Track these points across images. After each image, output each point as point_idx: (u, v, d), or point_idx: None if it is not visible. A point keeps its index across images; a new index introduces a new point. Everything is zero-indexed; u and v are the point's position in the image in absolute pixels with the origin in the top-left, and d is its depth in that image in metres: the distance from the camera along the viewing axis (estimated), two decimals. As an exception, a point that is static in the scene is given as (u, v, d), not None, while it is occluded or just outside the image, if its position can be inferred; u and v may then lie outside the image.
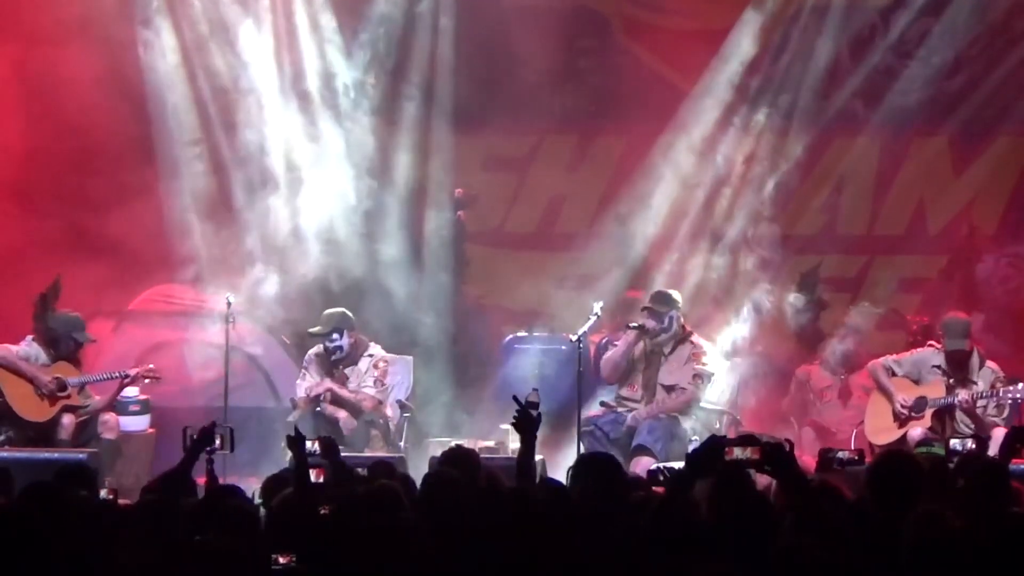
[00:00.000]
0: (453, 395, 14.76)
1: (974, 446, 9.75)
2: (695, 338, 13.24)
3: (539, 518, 6.78)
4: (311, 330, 13.48)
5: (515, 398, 8.44)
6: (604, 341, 13.78)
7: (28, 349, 13.22)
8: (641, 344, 13.22)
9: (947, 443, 10.19)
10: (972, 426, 12.44)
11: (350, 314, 13.54)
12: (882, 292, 15.39)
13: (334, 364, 13.41)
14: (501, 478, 8.47)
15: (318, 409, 13.28)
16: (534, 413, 8.30)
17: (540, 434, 13.66)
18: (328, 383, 13.34)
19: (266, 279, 14.95)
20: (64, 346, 13.22)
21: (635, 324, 13.14)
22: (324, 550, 6.49)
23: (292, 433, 8.74)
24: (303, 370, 13.59)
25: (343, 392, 13.30)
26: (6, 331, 13.54)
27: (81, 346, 13.29)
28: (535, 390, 8.77)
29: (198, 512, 7.35)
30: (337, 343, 13.34)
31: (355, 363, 13.45)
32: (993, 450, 11.83)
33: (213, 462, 10.00)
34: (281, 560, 6.63)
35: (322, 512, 7.27)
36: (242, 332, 14.40)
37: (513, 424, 8.44)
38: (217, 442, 10.00)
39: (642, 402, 13.10)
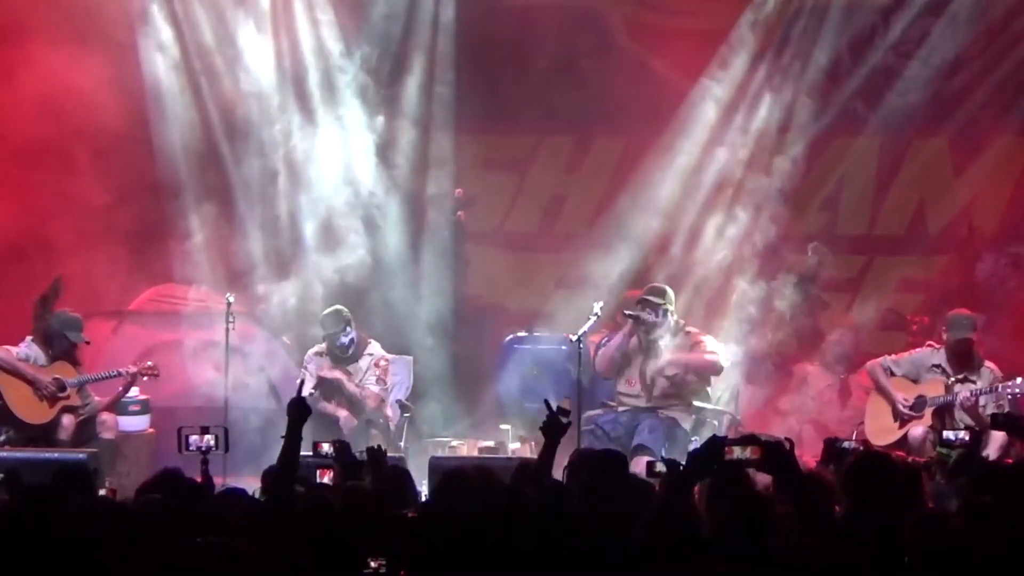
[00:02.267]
0: (453, 395, 14.76)
1: (967, 438, 9.76)
2: (690, 328, 13.24)
3: (535, 518, 6.78)
4: (328, 332, 13.46)
5: (546, 402, 8.40)
6: (604, 341, 13.78)
7: (27, 351, 13.20)
8: (635, 339, 13.22)
9: (941, 435, 10.21)
10: (973, 424, 12.44)
11: (346, 309, 13.60)
12: (882, 292, 15.39)
13: (343, 361, 13.44)
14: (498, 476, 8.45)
15: (319, 407, 13.31)
16: (564, 420, 8.25)
17: (540, 434, 13.81)
18: (338, 372, 13.36)
19: (266, 279, 14.96)
20: (57, 343, 13.19)
21: (631, 313, 13.16)
22: (418, 553, 6.46)
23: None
24: (303, 370, 13.60)
25: (349, 386, 13.34)
26: (6, 331, 13.53)
27: (75, 345, 13.24)
28: (568, 398, 8.73)
29: (200, 514, 7.34)
30: (350, 335, 13.39)
31: (356, 360, 13.49)
32: (992, 448, 11.88)
33: (208, 463, 10.01)
34: (372, 564, 6.61)
35: (409, 515, 7.23)
36: (242, 332, 14.40)
37: (541, 428, 8.39)
38: (212, 442, 10.03)
39: (641, 397, 13.11)
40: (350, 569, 6.50)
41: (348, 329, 13.44)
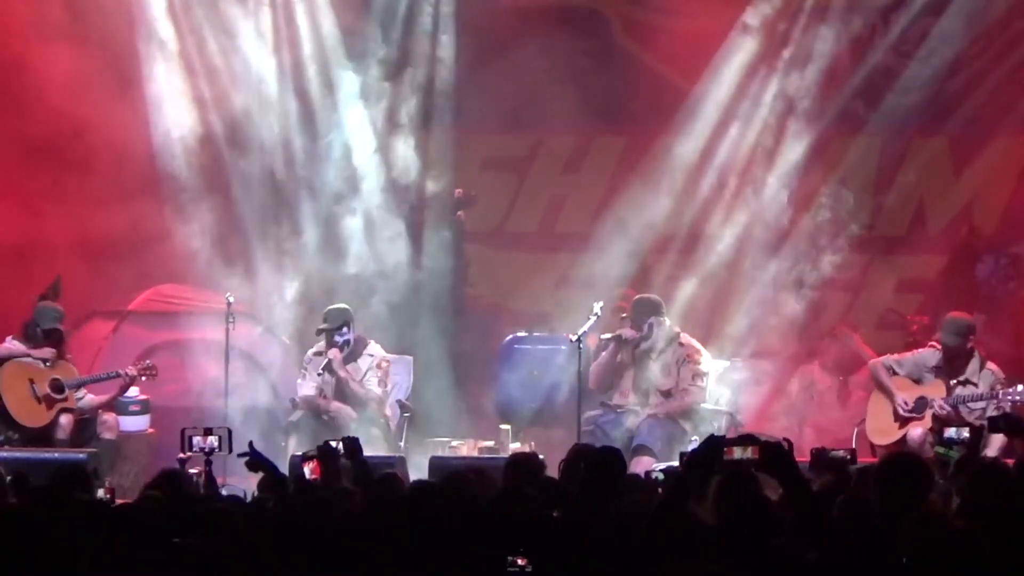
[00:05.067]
0: (453, 395, 14.75)
1: (968, 435, 9.76)
2: (685, 338, 13.21)
3: (531, 517, 6.78)
4: (320, 326, 13.45)
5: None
6: (604, 342, 13.77)
7: (11, 347, 13.19)
8: (626, 352, 13.18)
9: (942, 432, 10.22)
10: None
11: (351, 309, 13.58)
12: (882, 292, 15.39)
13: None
14: (494, 476, 8.49)
15: (318, 404, 13.31)
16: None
17: (540, 434, 13.84)
18: (344, 372, 13.32)
19: (266, 279, 14.97)
20: (32, 334, 13.16)
21: (607, 336, 13.16)
22: (560, 552, 6.49)
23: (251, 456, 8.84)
24: (303, 370, 13.58)
25: (353, 385, 13.31)
26: (6, 331, 13.53)
27: (58, 338, 13.17)
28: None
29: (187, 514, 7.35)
30: (345, 336, 13.36)
31: (355, 360, 13.46)
32: (992, 449, 11.88)
33: (211, 463, 10.03)
34: (519, 562, 6.61)
35: (554, 515, 7.23)
36: (242, 332, 14.39)
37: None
38: (215, 443, 10.05)
39: (637, 407, 13.09)
40: (492, 567, 6.52)
41: (345, 329, 13.37)
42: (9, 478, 9.35)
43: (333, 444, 9.27)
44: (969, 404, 12.52)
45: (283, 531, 6.91)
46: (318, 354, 13.53)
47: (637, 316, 13.12)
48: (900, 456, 7.70)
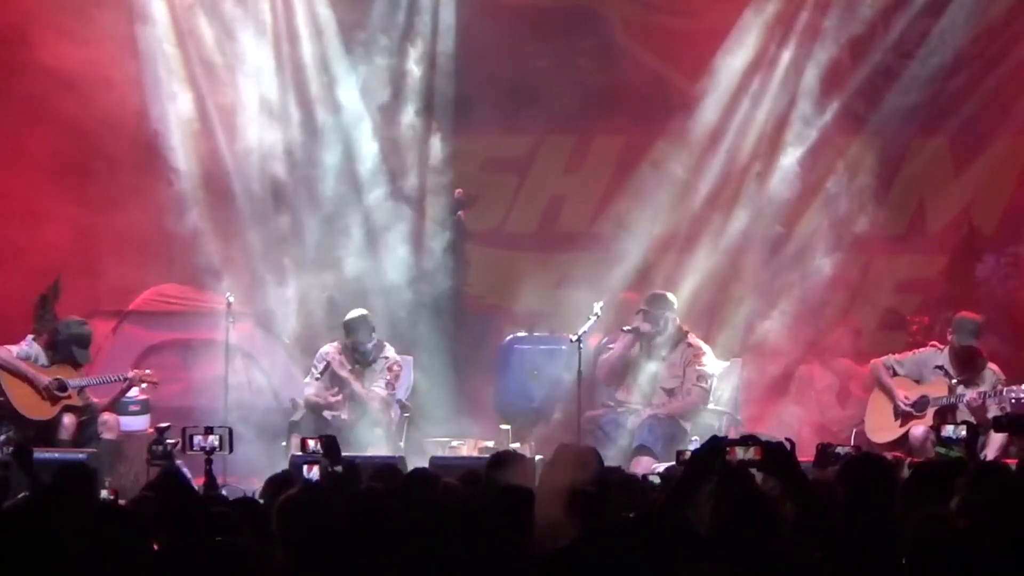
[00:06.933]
0: (453, 395, 14.76)
1: (965, 434, 9.77)
2: (692, 339, 13.25)
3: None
4: (356, 338, 13.37)
5: None
6: (604, 341, 13.79)
7: (28, 349, 13.21)
8: (637, 346, 13.24)
9: (939, 431, 10.22)
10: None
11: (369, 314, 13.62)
12: (882, 292, 15.39)
13: (360, 364, 13.41)
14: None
15: (324, 414, 13.31)
16: None
17: (540, 434, 13.84)
18: (346, 373, 13.33)
19: (267, 278, 14.97)
20: (62, 351, 13.20)
21: (629, 328, 13.19)
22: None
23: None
24: (313, 367, 13.55)
25: (356, 386, 13.31)
26: (6, 331, 13.53)
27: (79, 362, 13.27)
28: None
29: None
30: (373, 341, 13.44)
31: (372, 364, 13.47)
32: (991, 449, 11.89)
33: (212, 463, 10.04)
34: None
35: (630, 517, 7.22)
36: (242, 332, 14.39)
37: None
38: (216, 443, 10.06)
39: (639, 405, 13.11)
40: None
41: (372, 335, 13.45)
42: (11, 449, 9.34)
43: (312, 444, 9.26)
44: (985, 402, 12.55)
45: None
46: (327, 353, 13.51)
47: (653, 310, 13.15)
48: (860, 458, 7.69)
